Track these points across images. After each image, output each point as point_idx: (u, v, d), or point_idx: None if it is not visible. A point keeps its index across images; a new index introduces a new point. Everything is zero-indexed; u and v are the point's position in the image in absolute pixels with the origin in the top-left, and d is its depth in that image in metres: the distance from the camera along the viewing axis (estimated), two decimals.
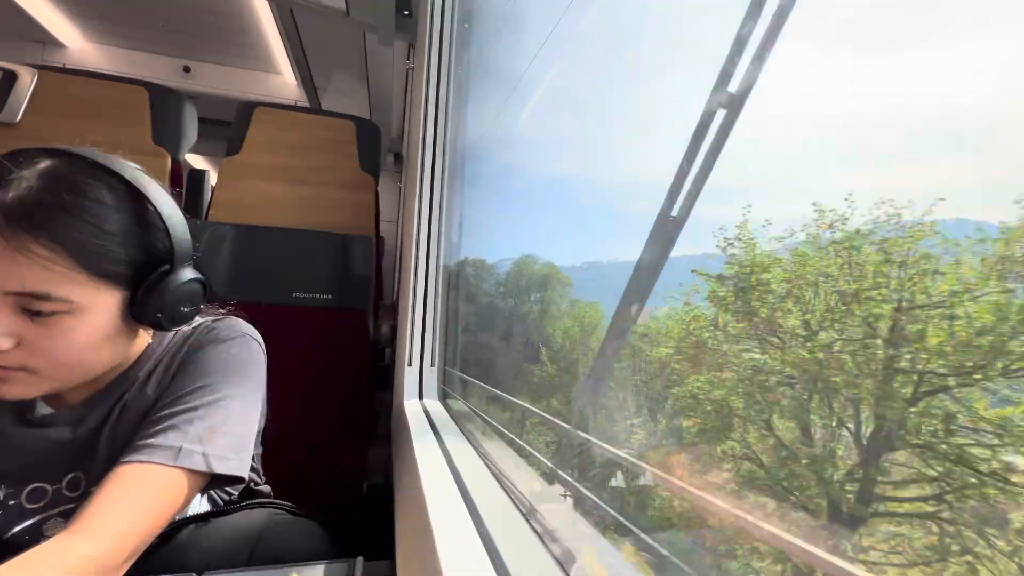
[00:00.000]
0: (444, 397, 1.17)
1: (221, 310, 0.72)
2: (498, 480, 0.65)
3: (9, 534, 0.56)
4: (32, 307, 0.48)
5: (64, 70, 1.45)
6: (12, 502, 0.57)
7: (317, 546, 0.66)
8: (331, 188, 1.54)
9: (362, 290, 1.39)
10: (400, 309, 1.33)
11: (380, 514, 1.24)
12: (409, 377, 1.14)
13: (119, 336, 0.56)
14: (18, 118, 1.34)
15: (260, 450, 0.76)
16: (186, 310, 0.59)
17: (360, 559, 0.62)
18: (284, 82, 3.30)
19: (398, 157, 3.57)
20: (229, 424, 0.60)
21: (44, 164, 0.50)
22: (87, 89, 1.41)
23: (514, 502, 0.57)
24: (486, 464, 0.70)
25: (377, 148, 1.63)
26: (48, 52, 2.98)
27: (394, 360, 1.46)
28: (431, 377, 1.16)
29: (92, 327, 0.52)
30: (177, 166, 1.47)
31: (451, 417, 1.00)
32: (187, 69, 3.15)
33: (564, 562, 0.48)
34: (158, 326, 0.58)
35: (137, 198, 0.55)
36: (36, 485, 0.58)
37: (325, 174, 1.54)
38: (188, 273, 0.59)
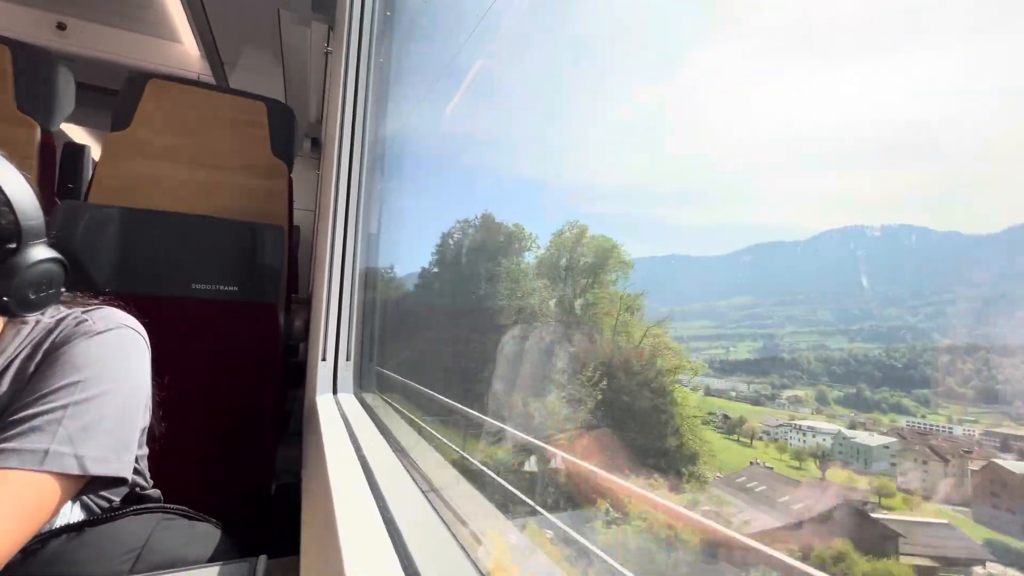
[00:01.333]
0: (360, 391, 1.15)
1: (94, 300, 0.66)
2: (408, 471, 0.66)
3: None
4: None
5: None
6: None
7: (215, 549, 0.63)
8: (239, 173, 1.44)
9: (272, 282, 1.32)
10: (314, 302, 1.28)
11: (289, 514, 1.19)
12: (323, 372, 1.11)
13: None
14: None
15: (146, 450, 0.70)
16: (41, 295, 0.55)
17: (263, 557, 0.60)
18: (185, 52, 3.00)
19: (316, 143, 3.39)
20: (106, 422, 0.55)
21: None
22: None
23: (423, 492, 0.59)
24: (398, 456, 0.71)
25: (291, 132, 1.54)
26: None
27: (308, 356, 1.40)
28: (346, 372, 1.14)
29: None
30: (48, 137, 1.30)
31: (366, 411, 0.99)
32: (62, 26, 2.75)
33: (470, 547, 0.50)
34: (4, 311, 0.53)
35: None
36: None
37: (231, 158, 1.43)
38: (41, 252, 0.55)
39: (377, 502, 0.50)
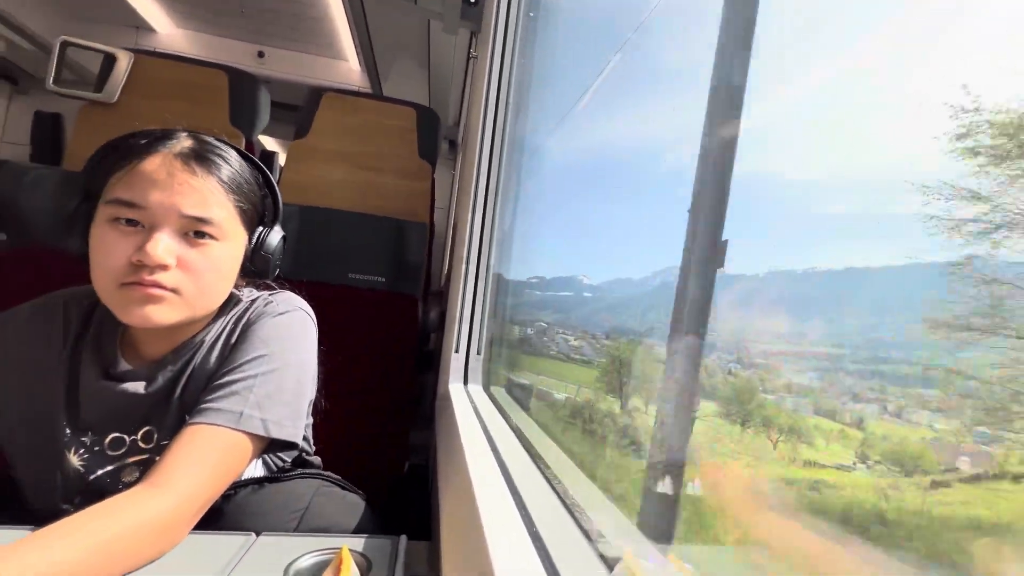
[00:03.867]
0: (488, 385, 1.18)
1: (275, 284, 0.78)
2: (541, 471, 0.65)
3: (93, 476, 0.62)
4: (197, 228, 0.59)
5: (155, 53, 1.56)
6: (96, 448, 0.63)
7: (360, 520, 0.69)
8: (390, 175, 1.58)
9: (415, 276, 1.42)
10: (450, 297, 1.35)
11: (419, 494, 1.28)
12: (455, 363, 1.16)
13: (232, 278, 0.66)
14: (115, 98, 1.45)
15: (311, 420, 0.80)
16: (278, 262, 0.71)
17: (403, 537, 0.64)
18: (349, 68, 3.40)
19: (452, 144, 3.62)
20: (285, 392, 0.64)
21: (188, 133, 0.63)
22: (174, 72, 1.51)
23: (559, 496, 0.57)
24: (530, 455, 0.71)
25: (436, 135, 1.65)
26: (141, 37, 3.22)
27: (439, 345, 1.49)
28: (476, 365, 1.18)
29: (230, 257, 0.63)
30: (250, 147, 1.56)
31: (495, 405, 1.01)
32: (261, 54, 3.31)
33: (610, 562, 0.47)
34: (262, 272, 0.69)
35: (253, 164, 0.68)
36: (116, 435, 0.63)
37: (385, 160, 1.58)
38: (280, 230, 0.71)
39: (517, 505, 0.49)
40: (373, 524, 0.71)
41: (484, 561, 0.39)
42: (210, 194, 0.60)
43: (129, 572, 0.49)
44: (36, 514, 0.63)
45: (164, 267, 0.56)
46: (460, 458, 0.64)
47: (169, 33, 3.28)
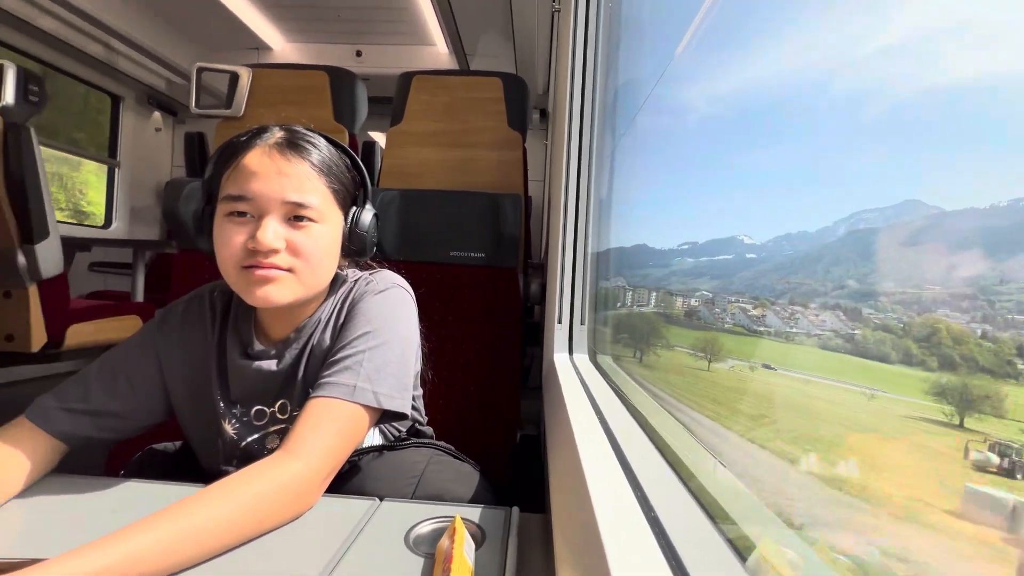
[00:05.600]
0: (594, 355, 1.14)
1: (376, 265, 0.81)
2: (652, 441, 0.60)
3: (244, 443, 0.71)
4: (297, 213, 0.63)
5: (267, 65, 1.72)
6: (245, 419, 0.71)
7: (473, 489, 0.70)
8: (482, 148, 1.57)
9: (512, 248, 1.41)
10: (549, 268, 1.32)
11: (531, 464, 1.29)
12: (559, 334, 1.14)
13: (336, 256, 0.71)
14: (242, 111, 1.63)
15: (420, 391, 0.83)
16: (373, 240, 0.74)
17: (516, 509, 0.63)
18: (437, 52, 3.47)
19: (544, 115, 3.53)
20: (391, 365, 0.66)
21: (279, 126, 0.68)
22: (285, 79, 1.65)
23: (673, 469, 0.52)
24: (639, 424, 0.66)
25: (524, 102, 1.61)
26: (261, 56, 3.60)
27: (543, 317, 1.47)
28: (581, 335, 1.14)
29: (330, 236, 0.68)
30: (353, 140, 1.65)
31: (601, 375, 0.97)
32: (359, 53, 3.51)
33: (739, 547, 0.41)
34: (360, 251, 0.72)
35: (341, 148, 0.72)
36: (258, 407, 0.71)
37: (476, 135, 1.58)
38: (371, 209, 0.74)
39: (622, 467, 0.45)
40: (487, 493, 0.72)
41: (594, 538, 0.36)
42: (305, 179, 0.64)
43: (273, 529, 0.55)
44: (206, 473, 0.74)
45: (275, 251, 0.62)
46: (566, 427, 0.61)
47: (282, 48, 3.62)
